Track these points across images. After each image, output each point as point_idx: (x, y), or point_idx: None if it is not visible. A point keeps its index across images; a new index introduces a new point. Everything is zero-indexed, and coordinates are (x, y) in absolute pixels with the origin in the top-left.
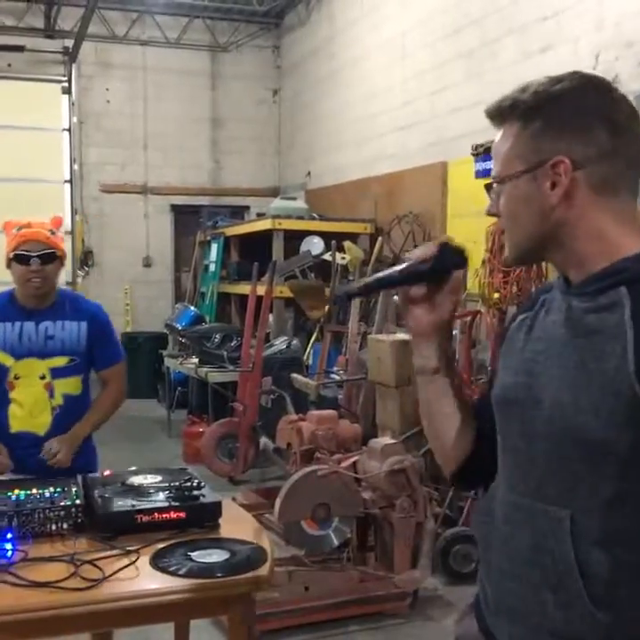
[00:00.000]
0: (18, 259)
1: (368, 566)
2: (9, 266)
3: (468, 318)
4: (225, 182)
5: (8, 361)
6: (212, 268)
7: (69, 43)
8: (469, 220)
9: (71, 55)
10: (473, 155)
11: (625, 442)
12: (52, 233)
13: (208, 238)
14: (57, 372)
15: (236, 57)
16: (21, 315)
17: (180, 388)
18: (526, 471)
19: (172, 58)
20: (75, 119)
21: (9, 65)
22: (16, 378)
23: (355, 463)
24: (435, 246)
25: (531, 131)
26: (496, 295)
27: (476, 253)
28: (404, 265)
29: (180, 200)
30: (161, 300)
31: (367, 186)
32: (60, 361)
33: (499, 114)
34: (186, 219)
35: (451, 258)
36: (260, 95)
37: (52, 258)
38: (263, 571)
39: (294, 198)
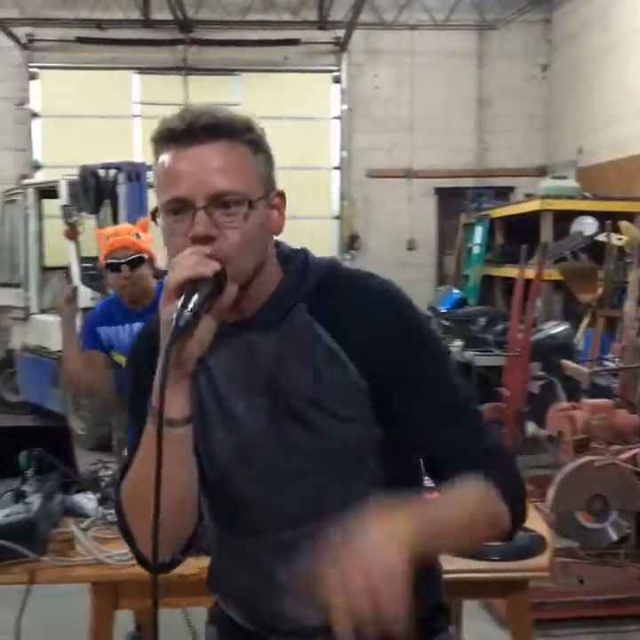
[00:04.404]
0: (110, 267)
1: None
2: (104, 276)
3: None
4: (490, 163)
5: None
6: (477, 250)
7: (340, 33)
8: None
9: (342, 45)
10: None
11: None
12: (138, 237)
13: (472, 220)
14: None
15: (503, 34)
16: (129, 316)
17: None
18: None
19: (438, 40)
20: (344, 107)
21: (285, 58)
22: None
23: (635, 456)
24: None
25: (260, 158)
26: None
27: None
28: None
29: (443, 183)
30: (424, 282)
31: None
32: None
33: (210, 130)
34: (449, 201)
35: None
36: (529, 71)
37: (139, 261)
38: (543, 559)
39: (565, 177)
